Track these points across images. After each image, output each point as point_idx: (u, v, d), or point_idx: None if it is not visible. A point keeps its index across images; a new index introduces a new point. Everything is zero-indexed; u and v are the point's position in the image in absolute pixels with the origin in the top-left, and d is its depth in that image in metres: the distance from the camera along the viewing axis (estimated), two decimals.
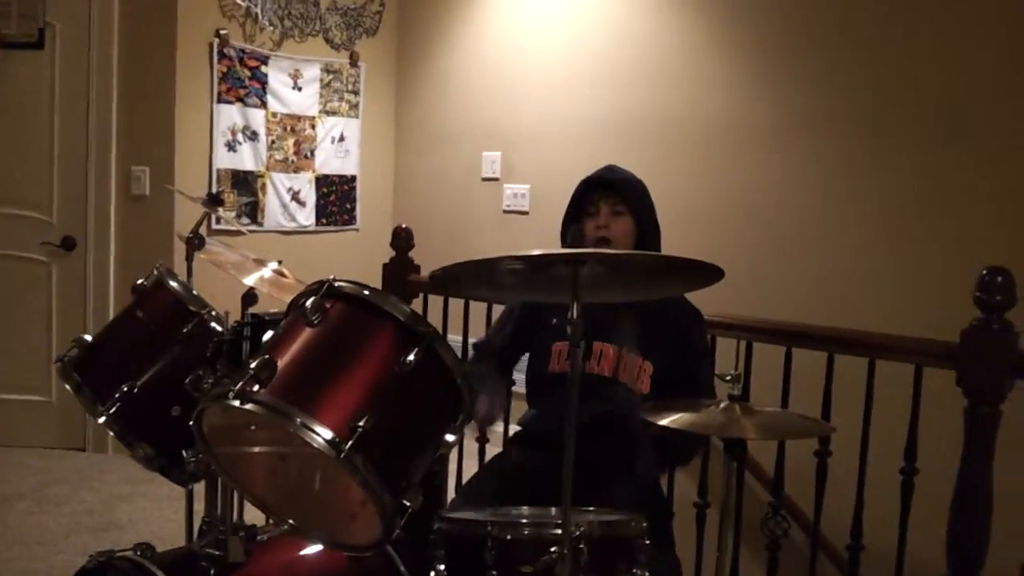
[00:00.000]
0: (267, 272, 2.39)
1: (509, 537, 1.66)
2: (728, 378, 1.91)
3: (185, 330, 2.05)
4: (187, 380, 1.86)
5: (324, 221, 5.07)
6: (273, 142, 4.79)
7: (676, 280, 1.82)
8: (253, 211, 4.75)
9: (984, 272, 2.13)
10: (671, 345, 2.27)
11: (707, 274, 1.64)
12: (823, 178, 3.59)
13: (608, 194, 2.29)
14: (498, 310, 3.10)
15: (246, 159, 4.69)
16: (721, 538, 1.90)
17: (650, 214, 2.34)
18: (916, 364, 2.36)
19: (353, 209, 5.21)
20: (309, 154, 4.97)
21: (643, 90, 4.17)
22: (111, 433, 2.05)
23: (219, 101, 4.55)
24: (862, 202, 3.49)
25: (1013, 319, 2.13)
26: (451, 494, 2.89)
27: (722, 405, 1.84)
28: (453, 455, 3.10)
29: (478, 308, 3.12)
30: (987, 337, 2.14)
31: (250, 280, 2.28)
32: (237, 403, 1.51)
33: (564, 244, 2.39)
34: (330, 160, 5.07)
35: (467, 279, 1.77)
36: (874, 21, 3.44)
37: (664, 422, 1.77)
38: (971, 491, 2.17)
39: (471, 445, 3.10)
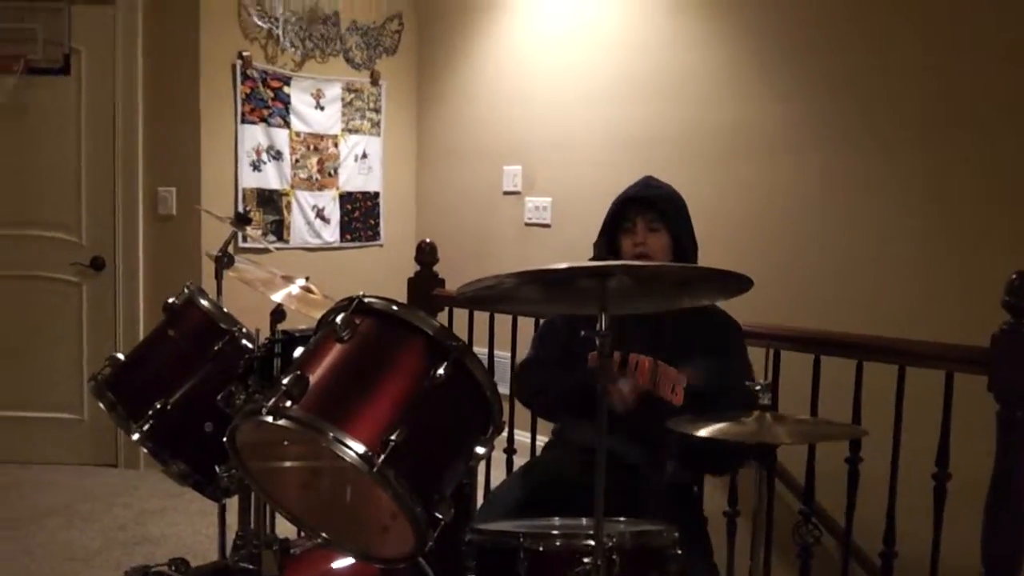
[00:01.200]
0: (295, 289, 2.41)
1: (541, 548, 1.67)
2: (758, 388, 1.91)
3: (216, 347, 2.08)
4: (219, 397, 1.89)
5: (349, 237, 5.11)
6: (297, 161, 4.84)
7: (704, 290, 1.82)
8: (279, 229, 4.79)
9: (1014, 276, 2.12)
10: (707, 359, 2.26)
11: (736, 284, 1.64)
12: (848, 185, 3.58)
13: (644, 210, 2.29)
14: (523, 322, 3.12)
15: (271, 178, 4.74)
16: (753, 546, 1.90)
17: (687, 228, 2.33)
18: (947, 370, 2.34)
19: (377, 225, 5.25)
20: (332, 172, 5.01)
21: (662, 102, 4.18)
22: (144, 450, 2.08)
23: (243, 121, 4.60)
24: (888, 208, 3.47)
25: None
26: (480, 505, 2.89)
27: (753, 415, 1.84)
28: (482, 467, 3.12)
29: (503, 320, 3.14)
30: (1018, 341, 2.13)
31: (278, 297, 2.31)
32: (270, 419, 1.53)
33: (594, 256, 2.40)
34: (353, 177, 5.12)
35: (494, 295, 1.78)
36: (901, 28, 3.41)
37: (699, 434, 1.77)
38: (1005, 495, 2.15)
39: (499, 456, 3.11)
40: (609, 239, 2.34)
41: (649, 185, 2.36)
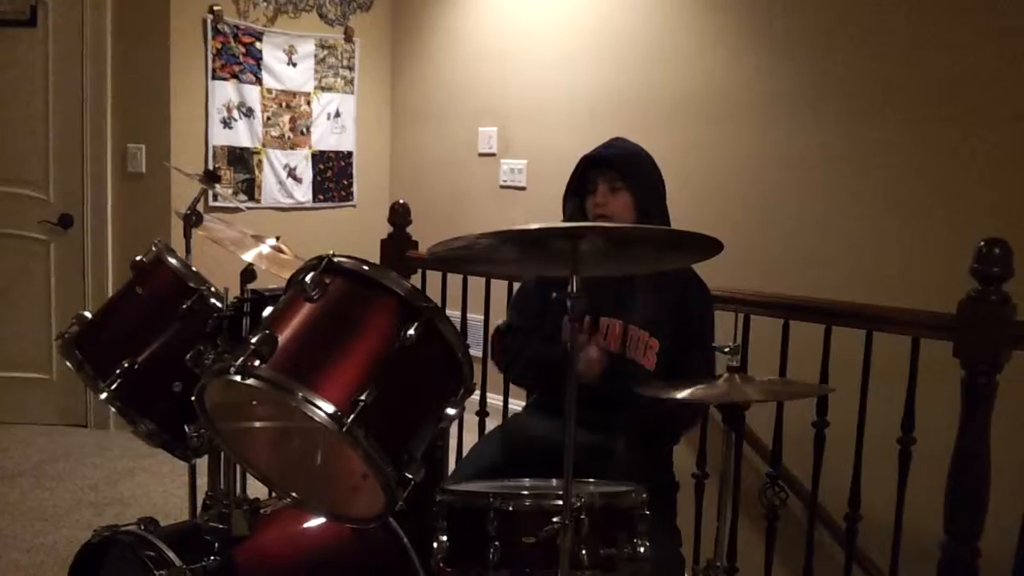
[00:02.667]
0: (265, 248, 2.39)
1: (511, 508, 1.68)
2: (727, 350, 1.92)
3: (185, 306, 2.05)
4: (188, 356, 1.88)
5: (321, 197, 5.07)
6: (269, 118, 4.78)
7: (674, 253, 1.82)
8: (250, 188, 4.74)
9: (981, 244, 2.13)
10: (677, 323, 2.27)
11: (706, 247, 1.64)
12: (822, 151, 3.59)
13: (605, 171, 2.27)
14: (497, 285, 3.12)
15: (242, 136, 4.68)
16: (720, 508, 1.92)
17: (652, 187, 2.31)
18: (913, 336, 2.37)
19: (350, 185, 5.21)
20: (305, 130, 4.95)
21: (640, 64, 4.15)
22: (113, 410, 2.07)
23: (214, 78, 4.52)
24: (862, 175, 3.48)
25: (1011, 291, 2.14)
26: (452, 467, 2.91)
27: (722, 376, 1.86)
28: (453, 429, 3.13)
29: (477, 283, 3.13)
30: (984, 308, 2.15)
31: (248, 256, 2.28)
32: (239, 378, 1.52)
33: (564, 218, 2.39)
34: (326, 136, 5.06)
35: (466, 255, 1.77)
36: None
37: (669, 396, 1.79)
38: (968, 460, 2.18)
39: (471, 419, 3.12)
40: (581, 202, 2.34)
41: (612, 145, 2.34)
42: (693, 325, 2.28)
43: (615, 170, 2.26)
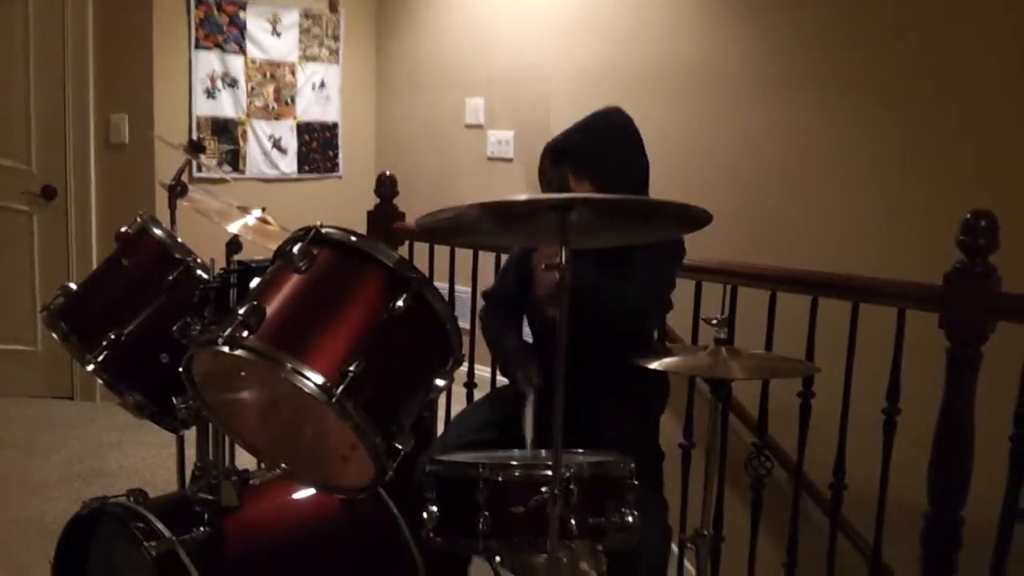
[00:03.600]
0: (251, 219, 2.37)
1: (500, 478, 1.69)
2: (714, 322, 1.93)
3: (171, 277, 2.05)
4: (175, 327, 1.87)
5: (307, 168, 5.03)
6: (253, 89, 4.73)
7: (664, 224, 1.82)
8: (235, 159, 4.70)
9: (968, 215, 2.14)
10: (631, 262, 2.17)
11: (695, 218, 1.64)
12: (810, 124, 3.58)
13: (567, 161, 2.23)
14: (484, 257, 3.11)
15: (226, 106, 4.63)
16: (706, 477, 1.94)
17: (615, 171, 2.22)
18: (899, 307, 2.38)
19: (336, 156, 5.17)
20: (289, 101, 4.91)
21: (628, 36, 4.13)
22: (100, 381, 2.06)
23: (197, 47, 4.47)
24: (848, 148, 3.48)
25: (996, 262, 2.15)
26: None
27: (709, 348, 1.87)
28: (441, 400, 3.14)
29: (464, 255, 3.12)
30: (969, 280, 2.16)
31: (234, 227, 2.27)
32: (227, 349, 1.52)
33: (546, 189, 2.38)
34: (311, 107, 5.01)
35: (453, 227, 1.76)
36: None
37: (652, 367, 1.80)
38: (952, 431, 2.20)
39: (459, 390, 3.13)
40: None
41: (579, 128, 2.27)
42: (639, 254, 2.16)
43: (575, 162, 2.22)
